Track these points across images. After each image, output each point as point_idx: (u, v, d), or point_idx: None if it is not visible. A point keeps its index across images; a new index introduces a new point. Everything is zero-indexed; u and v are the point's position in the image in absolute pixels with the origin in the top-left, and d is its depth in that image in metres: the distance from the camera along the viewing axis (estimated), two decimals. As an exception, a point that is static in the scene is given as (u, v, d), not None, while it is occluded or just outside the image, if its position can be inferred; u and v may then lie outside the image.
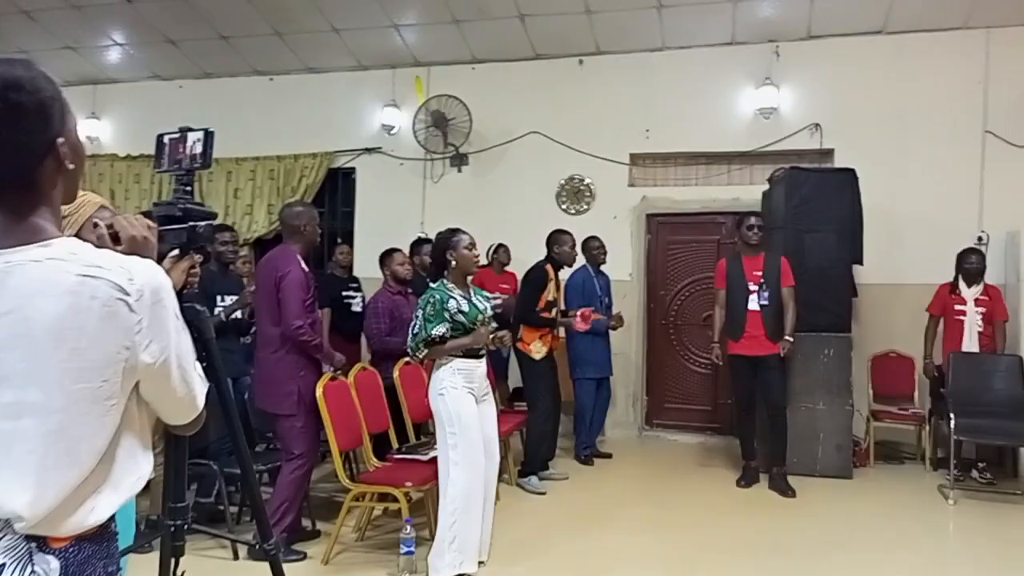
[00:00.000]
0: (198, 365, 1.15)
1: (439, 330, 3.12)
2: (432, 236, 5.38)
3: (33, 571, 0.92)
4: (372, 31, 6.06)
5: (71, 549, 0.96)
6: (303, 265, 3.40)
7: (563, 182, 6.16)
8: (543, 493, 4.43)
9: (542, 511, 4.14)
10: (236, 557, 3.33)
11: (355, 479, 3.48)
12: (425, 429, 4.11)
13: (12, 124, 0.96)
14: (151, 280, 1.01)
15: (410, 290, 4.43)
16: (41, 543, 0.94)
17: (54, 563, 0.94)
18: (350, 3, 5.73)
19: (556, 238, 4.69)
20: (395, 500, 3.37)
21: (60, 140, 1.00)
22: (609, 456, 5.23)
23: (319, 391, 3.31)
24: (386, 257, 4.48)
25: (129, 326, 0.97)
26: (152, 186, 6.54)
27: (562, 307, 4.78)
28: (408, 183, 6.45)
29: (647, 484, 4.70)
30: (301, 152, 6.52)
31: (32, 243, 0.97)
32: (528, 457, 4.58)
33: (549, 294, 4.53)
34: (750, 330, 4.51)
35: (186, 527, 1.81)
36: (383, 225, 6.30)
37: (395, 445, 3.83)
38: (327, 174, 6.56)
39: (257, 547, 2.01)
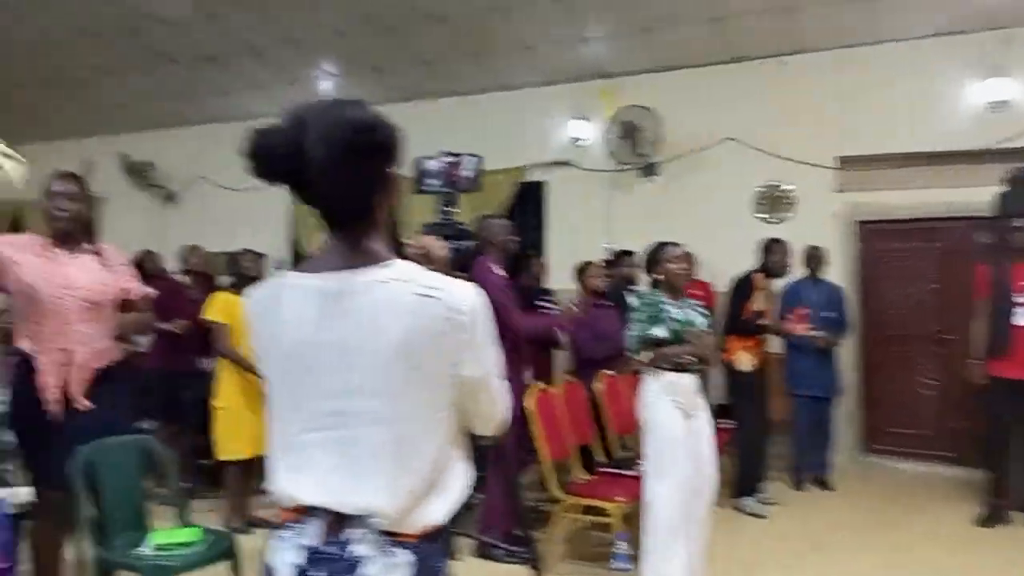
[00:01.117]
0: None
1: (660, 332, 3.06)
2: (615, 248, 5.44)
3: (393, 562, 1.01)
4: (562, 45, 6.15)
5: (420, 545, 1.04)
6: (500, 271, 3.49)
7: (761, 189, 5.90)
8: (763, 516, 4.22)
9: (758, 535, 3.94)
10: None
11: (564, 490, 3.50)
12: (630, 442, 4.06)
13: (368, 161, 1.05)
14: (475, 301, 1.08)
15: (609, 303, 4.42)
16: (394, 539, 1.01)
17: (409, 556, 1.03)
18: (542, 20, 5.85)
19: (768, 246, 4.50)
20: (601, 513, 3.35)
21: (394, 172, 1.09)
22: (828, 486, 4.85)
23: (531, 402, 3.36)
24: (583, 270, 4.51)
25: (459, 343, 1.04)
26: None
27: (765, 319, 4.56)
28: (597, 195, 6.46)
29: (869, 516, 4.33)
30: (494, 168, 6.72)
31: (374, 265, 1.05)
32: (740, 477, 4.39)
33: (756, 303, 4.34)
34: (1016, 349, 4.02)
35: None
36: (573, 237, 6.36)
37: (598, 458, 3.82)
38: (518, 188, 6.72)
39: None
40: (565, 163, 6.60)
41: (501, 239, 3.57)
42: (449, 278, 1.07)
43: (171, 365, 4.70)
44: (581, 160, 6.53)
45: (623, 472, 3.55)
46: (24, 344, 2.73)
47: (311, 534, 1.03)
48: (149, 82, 6.92)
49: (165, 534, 2.71)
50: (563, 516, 3.45)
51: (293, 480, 1.05)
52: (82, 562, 2.93)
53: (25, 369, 2.71)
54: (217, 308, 3.99)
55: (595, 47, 6.13)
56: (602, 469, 3.66)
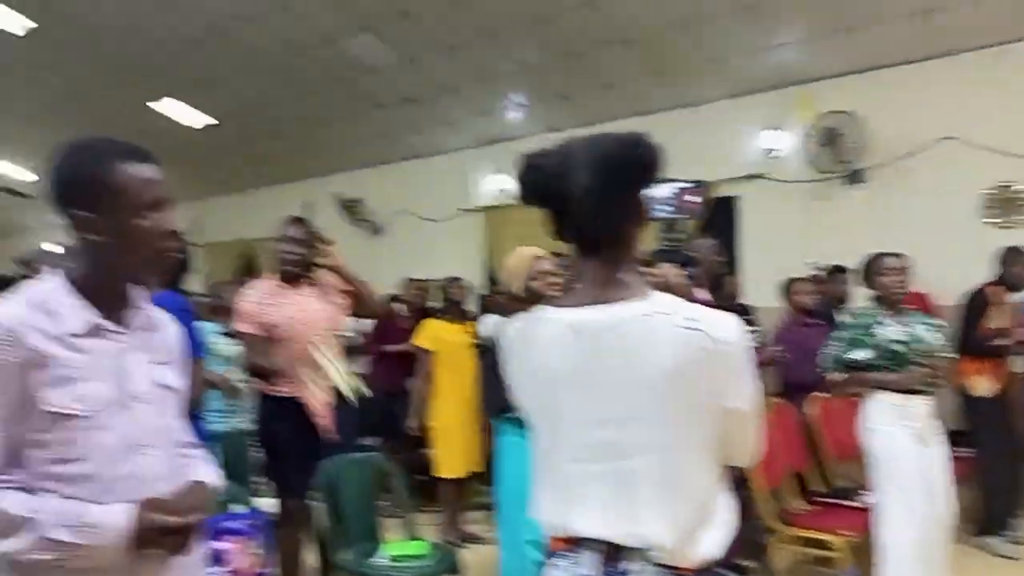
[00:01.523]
0: None
1: (858, 355, 2.86)
2: (821, 264, 5.13)
3: None
4: (750, 55, 5.96)
5: None
6: (705, 295, 3.42)
7: (990, 191, 5.33)
8: (1014, 558, 3.78)
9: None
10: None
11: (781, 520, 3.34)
12: (849, 470, 3.80)
13: (629, 177, 1.08)
14: (736, 331, 1.06)
15: (819, 321, 4.18)
16: (672, 572, 1.03)
17: None
18: (728, 32, 5.71)
19: (1006, 256, 4.06)
20: (824, 546, 3.16)
21: (643, 196, 1.11)
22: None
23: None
24: (789, 286, 4.31)
25: (724, 374, 1.04)
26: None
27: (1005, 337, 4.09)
28: (795, 207, 6.15)
29: None
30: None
31: (633, 299, 1.08)
32: (985, 513, 3.96)
33: (994, 320, 3.91)
34: None
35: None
36: (769, 252, 6.09)
37: (815, 486, 3.61)
38: (711, 205, 6.55)
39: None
40: (758, 176, 6.36)
41: (708, 259, 3.51)
42: (709, 309, 1.08)
43: (386, 386, 5.08)
44: (775, 172, 6.26)
45: (844, 503, 3.34)
46: (277, 388, 3.08)
47: (588, 564, 1.05)
48: (358, 126, 7.56)
49: (397, 546, 2.93)
50: (781, 548, 3.30)
51: (565, 510, 1.08)
52: (320, 567, 3.24)
53: (286, 405, 3.05)
54: (426, 335, 4.26)
55: (787, 53, 5.88)
56: (820, 499, 3.46)
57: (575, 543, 1.07)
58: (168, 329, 1.50)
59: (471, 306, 5.31)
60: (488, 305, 5.29)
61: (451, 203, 7.76)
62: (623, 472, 1.04)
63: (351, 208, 8.27)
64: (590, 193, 1.06)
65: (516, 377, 1.19)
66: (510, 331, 1.21)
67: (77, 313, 1.31)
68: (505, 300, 4.04)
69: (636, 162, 1.07)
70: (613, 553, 1.04)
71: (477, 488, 4.51)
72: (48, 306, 1.29)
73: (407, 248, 7.95)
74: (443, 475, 4.18)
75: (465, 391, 4.15)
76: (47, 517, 1.22)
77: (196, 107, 7.58)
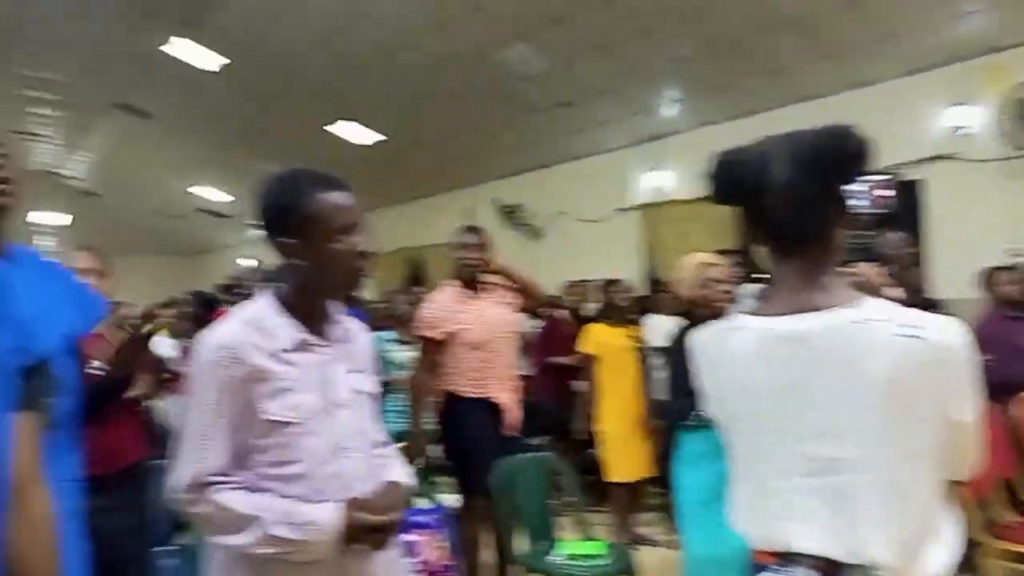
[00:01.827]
0: None
1: None
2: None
3: None
4: (932, 27, 5.48)
5: None
6: (896, 293, 3.19)
7: None
8: None
9: None
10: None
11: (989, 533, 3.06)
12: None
13: (835, 170, 1.03)
14: (959, 337, 0.99)
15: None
16: None
17: None
18: (906, 4, 5.30)
19: None
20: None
21: (847, 192, 1.06)
22: None
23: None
24: (991, 276, 3.92)
25: (946, 384, 0.98)
26: (711, 225, 7.00)
27: None
28: (989, 187, 5.59)
29: None
30: (856, 172, 6.21)
31: (842, 305, 1.03)
32: None
33: None
34: None
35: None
36: (961, 239, 5.57)
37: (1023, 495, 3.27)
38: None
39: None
40: (946, 157, 5.83)
41: (898, 253, 3.29)
42: (930, 315, 1.01)
43: (554, 390, 5.17)
44: (965, 151, 5.72)
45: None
46: (467, 388, 3.24)
47: None
48: (514, 133, 7.75)
49: (573, 545, 2.98)
50: (991, 563, 3.02)
51: (776, 525, 1.05)
52: (497, 562, 3.35)
53: (478, 406, 3.20)
54: (590, 341, 4.30)
55: (974, 22, 5.35)
56: (1034, 510, 3.13)
57: (786, 558, 1.03)
58: (361, 338, 1.62)
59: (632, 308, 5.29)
60: (649, 306, 5.24)
61: (608, 203, 7.76)
62: (841, 487, 1.00)
63: (510, 213, 8.48)
64: (792, 188, 1.01)
65: (710, 389, 1.16)
66: (699, 341, 1.19)
67: (286, 330, 1.45)
68: (672, 303, 4.00)
69: (844, 153, 1.01)
70: (830, 570, 1.00)
71: (649, 491, 4.48)
72: (261, 325, 1.44)
73: (565, 251, 8.04)
74: (612, 479, 4.20)
75: (629, 395, 4.14)
76: (270, 515, 1.36)
77: (366, 126, 8.09)
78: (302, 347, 1.46)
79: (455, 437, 3.27)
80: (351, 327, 1.59)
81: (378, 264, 9.30)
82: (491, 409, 3.19)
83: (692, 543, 2.59)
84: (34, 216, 13.27)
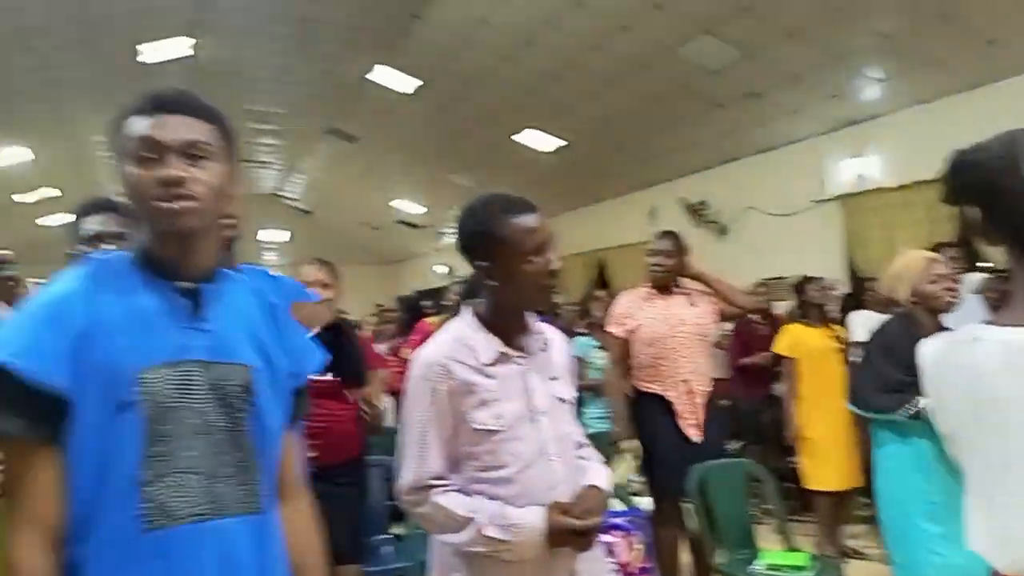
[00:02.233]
0: None
1: None
2: None
3: None
4: None
5: None
6: None
7: None
8: None
9: None
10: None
11: None
12: None
13: None
14: None
15: None
16: None
17: None
18: None
19: None
20: None
21: None
22: None
23: None
24: None
25: None
26: (921, 214, 6.41)
27: None
28: None
29: None
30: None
31: None
32: None
33: None
34: None
35: None
36: None
37: None
38: None
39: None
40: None
41: None
42: None
43: (749, 392, 5.01)
44: None
45: None
46: (644, 384, 3.28)
47: None
48: (699, 129, 7.58)
49: (776, 555, 2.88)
50: None
51: None
52: (694, 568, 3.32)
53: (654, 404, 3.24)
54: (786, 342, 4.12)
55: None
56: None
57: None
58: (557, 347, 1.70)
59: (832, 306, 4.98)
60: (854, 304, 4.91)
61: (802, 195, 7.35)
62: None
63: (696, 211, 8.30)
64: None
65: (942, 402, 1.09)
66: (929, 353, 1.12)
67: (486, 345, 1.58)
68: (880, 300, 3.74)
69: None
70: None
71: (856, 501, 4.20)
72: (466, 341, 1.57)
73: (755, 248, 7.71)
74: (816, 488, 3.98)
75: (834, 399, 3.90)
76: (482, 516, 1.49)
77: (549, 132, 8.30)
78: (502, 360, 1.57)
79: (645, 438, 3.32)
80: (548, 336, 1.68)
81: (564, 266, 9.51)
82: (668, 409, 3.20)
83: (898, 555, 2.42)
84: (261, 235, 14.96)
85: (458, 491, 1.54)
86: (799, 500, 4.32)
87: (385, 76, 7.87)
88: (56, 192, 10.37)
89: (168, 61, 7.37)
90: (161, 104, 1.12)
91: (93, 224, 1.83)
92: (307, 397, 1.33)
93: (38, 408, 1.04)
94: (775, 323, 4.90)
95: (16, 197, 10.04)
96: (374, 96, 8.37)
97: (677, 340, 3.21)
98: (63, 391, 1.04)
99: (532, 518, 1.49)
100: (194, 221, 1.12)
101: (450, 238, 13.46)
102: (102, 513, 1.07)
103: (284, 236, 14.96)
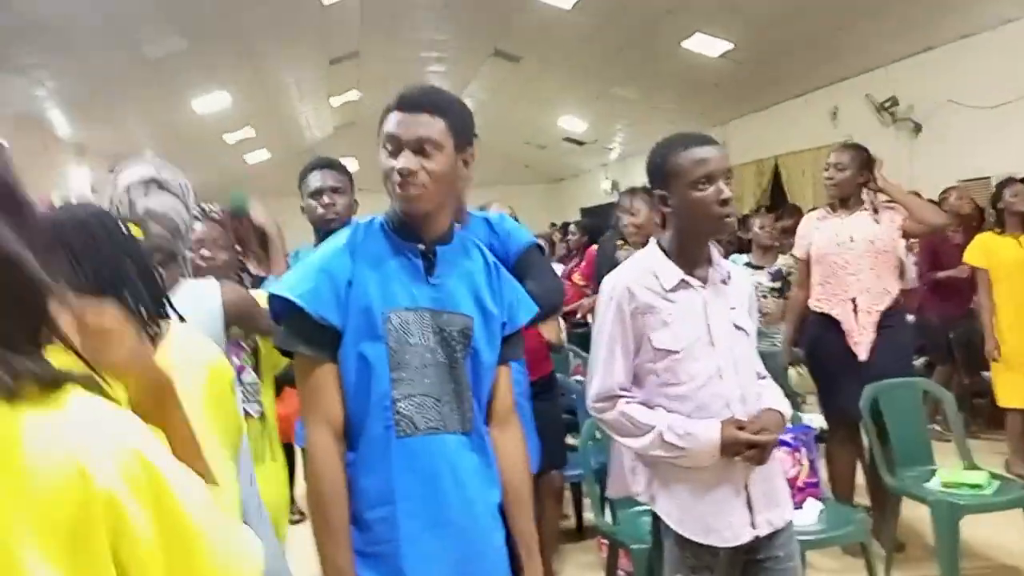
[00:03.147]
0: None
1: None
2: None
3: None
4: None
5: None
6: None
7: None
8: None
9: None
10: None
11: None
12: None
13: None
14: None
15: None
16: None
17: None
18: None
19: None
20: None
21: None
22: None
23: None
24: None
25: None
26: None
27: None
28: None
29: None
30: None
31: None
32: None
33: None
34: None
35: None
36: None
37: None
38: None
39: None
40: None
41: None
42: None
43: (940, 308, 4.71)
44: None
45: None
46: (815, 303, 3.24)
47: None
48: (885, 20, 6.87)
49: (953, 473, 2.81)
50: None
51: None
52: (868, 486, 3.30)
53: (822, 321, 3.20)
54: (976, 251, 3.83)
55: None
56: None
57: None
58: (739, 281, 1.83)
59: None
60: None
61: (1010, 86, 6.51)
62: None
63: (886, 108, 7.62)
64: None
65: None
66: None
67: (668, 272, 1.72)
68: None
69: None
70: None
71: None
72: (651, 268, 1.74)
73: (955, 146, 6.99)
74: (1008, 405, 3.76)
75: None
76: (663, 425, 1.67)
77: (717, 36, 7.88)
78: (683, 286, 1.72)
79: (809, 355, 3.31)
80: (731, 270, 1.82)
81: (734, 176, 9.21)
82: (838, 328, 3.13)
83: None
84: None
85: (641, 403, 1.72)
86: (994, 418, 4.10)
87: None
88: (252, 132, 11.40)
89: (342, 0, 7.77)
90: (403, 102, 1.40)
91: (315, 181, 2.25)
92: (519, 341, 1.57)
93: (320, 336, 1.38)
94: (971, 231, 4.52)
95: (228, 139, 11.15)
96: (535, 14, 8.33)
97: (844, 258, 3.11)
98: (335, 325, 1.39)
99: (708, 429, 1.65)
100: (422, 205, 1.40)
101: (615, 153, 13.33)
102: (365, 421, 1.40)
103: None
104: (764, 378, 1.84)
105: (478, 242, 1.57)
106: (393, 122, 1.39)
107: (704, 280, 1.74)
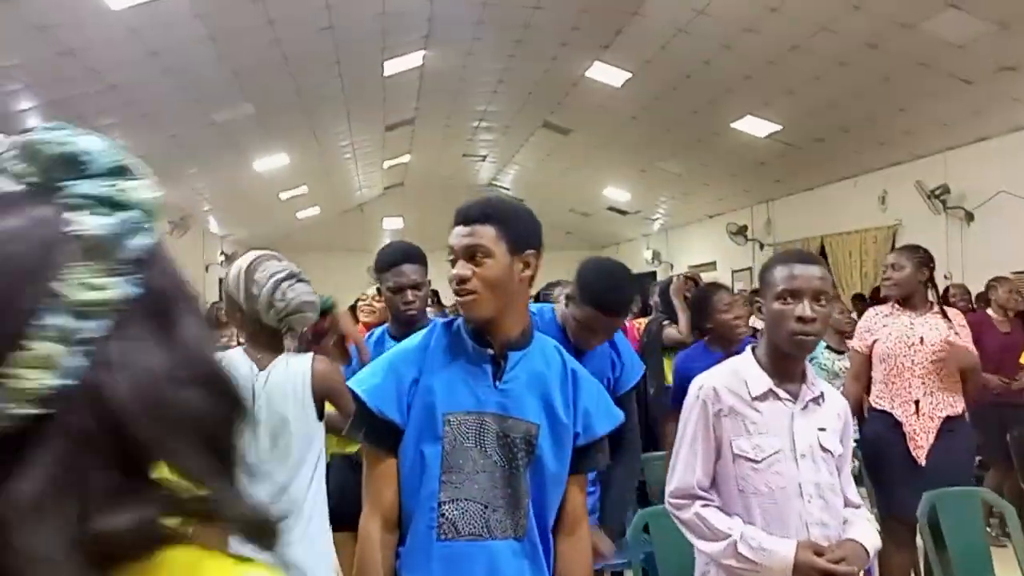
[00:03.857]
0: None
1: None
2: None
3: None
4: None
5: None
6: None
7: None
8: None
9: None
10: None
11: None
12: None
13: None
14: None
15: None
16: None
17: None
18: None
19: None
20: None
21: None
22: None
23: None
24: None
25: None
26: None
27: None
28: None
29: None
30: None
31: None
32: None
33: None
34: None
35: None
36: None
37: None
38: None
39: None
40: None
41: None
42: None
43: (998, 400, 4.58)
44: None
45: None
46: (876, 400, 3.19)
47: None
48: (941, 108, 6.92)
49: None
50: None
51: None
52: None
53: (882, 420, 3.16)
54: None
55: None
56: None
57: None
58: (833, 403, 1.78)
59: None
60: None
61: (1069, 179, 6.48)
62: None
63: (936, 196, 7.59)
64: None
65: None
66: None
67: (757, 379, 1.72)
68: None
69: None
70: None
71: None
72: (740, 373, 1.74)
73: (1005, 237, 6.91)
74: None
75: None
76: (737, 535, 1.63)
77: (766, 117, 7.99)
78: (770, 396, 1.70)
79: (867, 452, 3.25)
80: (826, 392, 1.78)
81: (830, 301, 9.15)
82: (899, 428, 3.07)
83: None
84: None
85: (719, 508, 1.70)
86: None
87: (599, 71, 8.03)
88: (305, 189, 11.77)
89: (402, 72, 8.09)
90: (460, 217, 1.47)
91: (397, 277, 2.32)
92: (601, 451, 1.55)
93: (381, 430, 1.45)
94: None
95: (283, 196, 11.52)
96: (587, 91, 8.56)
97: (912, 359, 3.06)
98: (396, 422, 1.45)
99: (783, 548, 1.60)
100: (479, 310, 1.44)
101: (658, 224, 13.41)
102: (413, 517, 1.43)
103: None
104: (857, 507, 1.78)
105: (559, 347, 1.57)
106: (452, 235, 1.46)
107: (795, 395, 1.71)
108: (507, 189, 15.20)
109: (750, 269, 10.70)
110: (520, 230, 1.46)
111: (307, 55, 6.84)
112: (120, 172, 0.48)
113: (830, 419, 1.75)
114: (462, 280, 1.42)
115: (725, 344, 3.13)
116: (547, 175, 12.88)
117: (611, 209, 13.34)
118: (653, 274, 13.44)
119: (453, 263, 1.45)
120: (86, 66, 5.62)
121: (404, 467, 1.45)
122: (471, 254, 1.42)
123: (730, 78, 7.32)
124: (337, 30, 6.50)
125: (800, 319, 1.64)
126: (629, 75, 7.95)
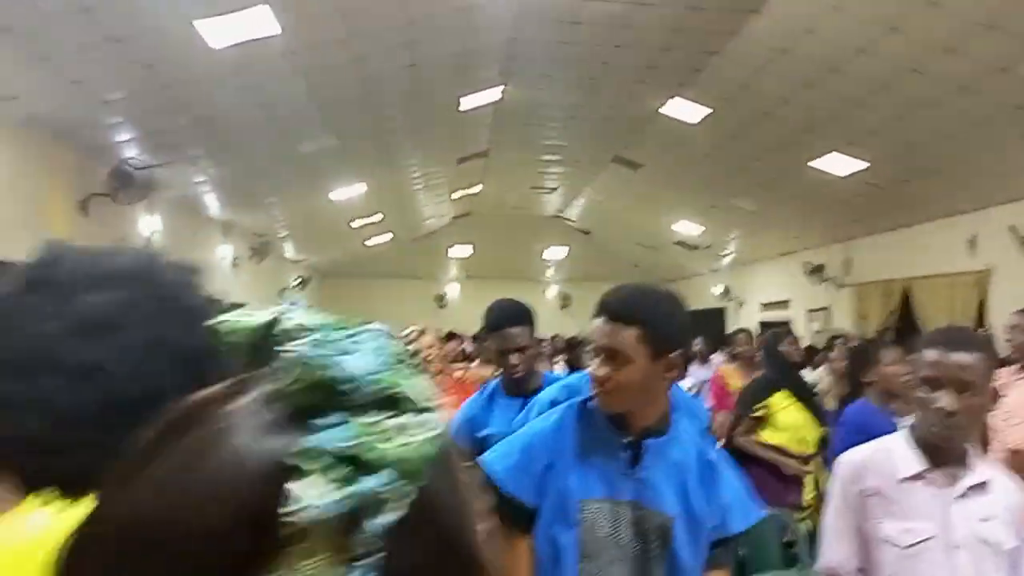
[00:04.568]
0: None
1: None
2: None
3: None
4: None
5: None
6: None
7: None
8: None
9: None
10: None
11: None
12: None
13: None
14: None
15: None
16: None
17: None
18: None
19: None
20: None
21: None
22: None
23: None
24: None
25: None
26: None
27: None
28: None
29: None
30: None
31: None
32: None
33: None
34: None
35: None
36: None
37: None
38: None
39: None
40: None
41: None
42: None
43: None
44: None
45: None
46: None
47: None
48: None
49: None
50: None
51: None
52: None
53: None
54: None
55: None
56: None
57: None
58: (1001, 490, 1.61)
59: None
60: None
61: None
62: None
63: (1028, 241, 7.26)
64: None
65: None
66: None
67: (908, 460, 1.60)
68: None
69: None
70: None
71: None
72: (891, 451, 1.63)
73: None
74: None
75: None
76: None
77: (848, 155, 7.79)
78: (920, 479, 1.58)
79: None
80: (992, 478, 1.62)
81: (858, 295, 8.80)
82: None
83: None
84: (546, 253, 15.90)
85: None
86: None
87: (676, 108, 7.98)
88: (379, 216, 12.00)
89: (478, 107, 8.19)
90: (603, 310, 1.44)
91: (505, 340, 2.30)
92: (735, 545, 1.53)
93: (512, 511, 1.45)
94: None
95: (354, 224, 11.77)
96: (661, 126, 8.51)
97: (1008, 423, 2.90)
98: (530, 504, 1.43)
99: None
100: (614, 407, 1.44)
101: (728, 260, 13.17)
102: None
103: (561, 253, 15.75)
104: None
105: (700, 433, 1.58)
106: (593, 326, 1.43)
107: (953, 479, 1.58)
108: (573, 222, 15.19)
109: (826, 309, 10.38)
110: (666, 330, 1.41)
111: (388, 91, 7.00)
112: (388, 405, 0.35)
113: (997, 509, 1.59)
114: (599, 381, 1.41)
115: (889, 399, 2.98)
116: (615, 208, 12.83)
117: (679, 243, 13.17)
118: (722, 310, 13.18)
119: (595, 352, 1.43)
120: (182, 100, 5.85)
121: (539, 550, 1.44)
122: (611, 355, 1.40)
123: (812, 116, 7.18)
124: (419, 67, 6.63)
125: (939, 412, 1.53)
126: (708, 111, 7.87)
